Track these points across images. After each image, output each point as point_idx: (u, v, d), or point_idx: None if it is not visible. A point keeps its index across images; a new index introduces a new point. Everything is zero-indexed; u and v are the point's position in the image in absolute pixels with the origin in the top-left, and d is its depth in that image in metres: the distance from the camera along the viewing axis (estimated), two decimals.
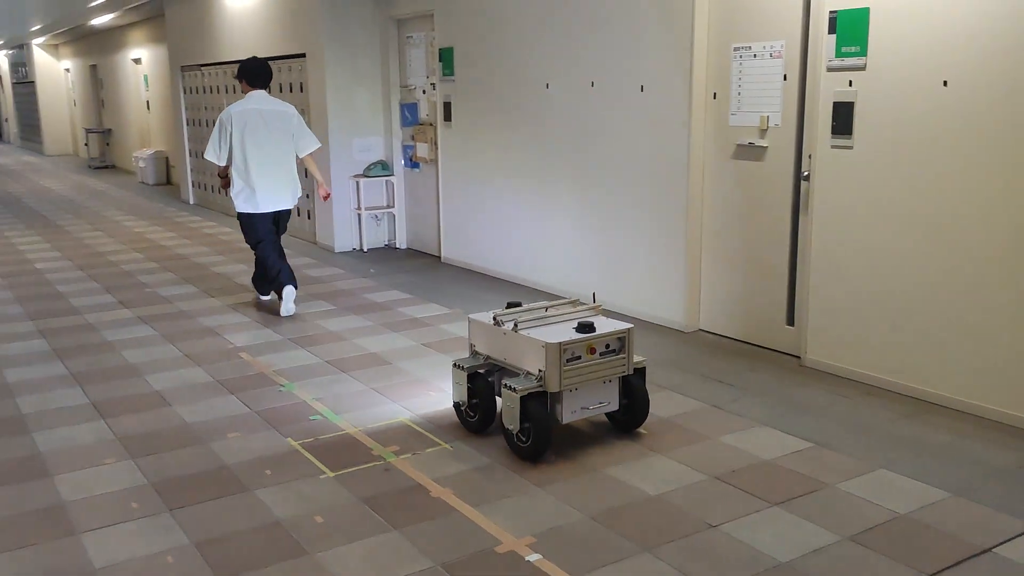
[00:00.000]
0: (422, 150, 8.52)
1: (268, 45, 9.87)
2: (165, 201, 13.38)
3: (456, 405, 4.31)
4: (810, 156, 4.97)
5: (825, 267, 4.93)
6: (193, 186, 13.06)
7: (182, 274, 7.93)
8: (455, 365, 4.25)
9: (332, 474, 3.79)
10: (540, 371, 3.83)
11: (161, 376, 5.10)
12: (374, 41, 8.80)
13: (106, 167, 19.30)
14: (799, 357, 5.19)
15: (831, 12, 4.70)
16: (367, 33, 8.75)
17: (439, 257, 8.43)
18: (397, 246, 9.13)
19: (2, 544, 3.25)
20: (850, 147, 4.72)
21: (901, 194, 4.52)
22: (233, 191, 6.40)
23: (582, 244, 6.60)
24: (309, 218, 9.54)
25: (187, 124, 12.94)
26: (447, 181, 8.10)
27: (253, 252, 6.66)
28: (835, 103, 4.74)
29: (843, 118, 4.71)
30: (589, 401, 4.00)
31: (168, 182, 15.74)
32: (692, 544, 3.19)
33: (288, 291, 6.40)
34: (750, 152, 5.39)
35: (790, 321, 5.32)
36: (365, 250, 8.98)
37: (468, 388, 4.17)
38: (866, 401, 4.56)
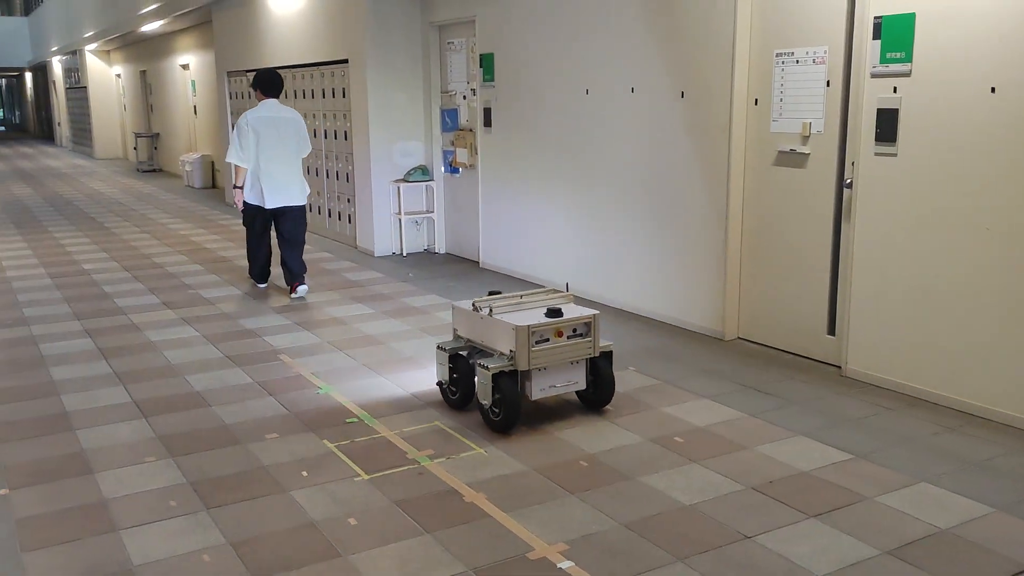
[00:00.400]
0: (462, 155, 8.56)
1: (312, 51, 9.99)
2: (210, 204, 13.59)
3: (440, 383, 4.67)
4: (853, 163, 4.91)
5: (867, 276, 4.86)
6: None
7: (225, 276, 8.05)
8: (439, 347, 4.60)
9: (366, 476, 3.81)
10: (511, 351, 4.21)
11: (202, 377, 5.18)
12: (415, 47, 8.86)
13: (154, 171, 19.65)
14: (840, 367, 5.12)
15: (876, 17, 4.63)
16: (408, 39, 8.81)
17: (478, 262, 8.45)
18: (436, 251, 9.17)
19: (45, 539, 3.32)
20: (894, 154, 4.64)
21: (947, 202, 4.44)
22: (245, 187, 7.14)
23: (621, 251, 6.57)
24: (350, 222, 9.62)
25: (232, 129, 13.11)
26: (487, 186, 8.13)
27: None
28: (879, 110, 4.67)
29: (887, 125, 4.64)
30: (557, 380, 4.36)
31: (214, 186, 15.99)
32: (726, 555, 3.15)
33: (301, 289, 7.17)
34: (792, 159, 5.33)
35: (831, 330, 5.24)
36: (404, 254, 9.04)
37: (450, 368, 4.55)
38: (908, 413, 4.48)
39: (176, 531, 3.36)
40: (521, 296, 4.58)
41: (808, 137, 5.20)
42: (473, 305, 4.47)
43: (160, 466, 3.95)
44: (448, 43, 8.67)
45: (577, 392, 4.55)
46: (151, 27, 16.35)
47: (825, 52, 5.05)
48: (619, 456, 4.00)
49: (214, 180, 16.01)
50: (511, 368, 4.21)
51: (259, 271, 7.52)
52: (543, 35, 7.11)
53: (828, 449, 4.05)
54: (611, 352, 4.53)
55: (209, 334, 6.10)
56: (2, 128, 48.90)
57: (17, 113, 48.43)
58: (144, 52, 20.29)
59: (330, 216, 10.15)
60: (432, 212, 9.10)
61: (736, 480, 3.74)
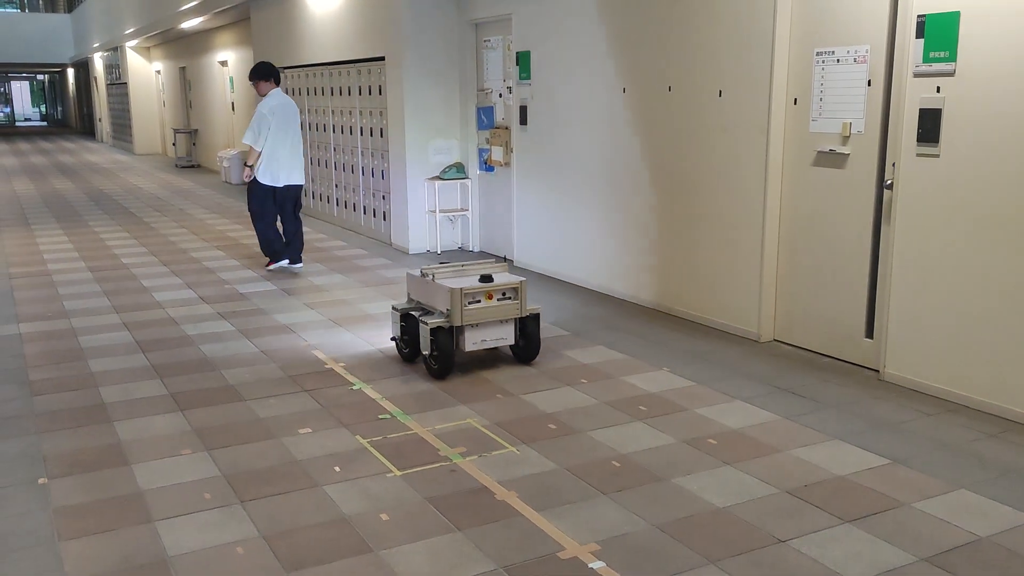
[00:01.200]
0: (497, 153, 8.55)
1: (349, 48, 10.04)
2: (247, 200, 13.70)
3: (393, 339, 5.46)
4: (894, 164, 4.83)
5: (907, 279, 4.78)
6: None
7: (260, 272, 8.11)
8: (393, 308, 5.37)
9: (399, 473, 3.83)
10: (447, 310, 4.97)
11: (237, 371, 5.22)
12: (452, 44, 8.87)
13: (192, 166, 19.89)
14: (878, 371, 5.05)
15: (919, 16, 4.56)
16: (445, 36, 8.83)
17: (512, 260, 8.45)
18: (470, 249, 9.18)
19: (82, 528, 3.36)
20: (936, 155, 4.57)
21: (990, 205, 4.36)
22: (259, 167, 7.92)
23: (655, 251, 6.53)
24: (384, 219, 9.66)
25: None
26: (521, 185, 8.12)
27: (252, 219, 8.21)
28: (921, 110, 4.59)
29: (930, 125, 4.56)
30: (488, 335, 5.13)
31: None
32: (759, 559, 3.12)
33: (296, 266, 8.10)
34: (831, 159, 5.26)
35: (869, 333, 5.17)
36: (439, 252, 9.06)
37: (402, 326, 5.27)
38: (948, 418, 4.41)
39: (210, 523, 3.40)
40: (463, 265, 5.33)
41: (848, 137, 5.14)
42: (421, 272, 5.26)
43: (195, 459, 3.99)
44: (484, 41, 8.67)
45: (510, 347, 5.33)
46: (191, 24, 16.55)
47: (867, 51, 4.98)
48: (652, 457, 3.98)
49: None
50: (447, 324, 4.96)
51: (282, 247, 8.14)
52: (580, 33, 7.08)
53: (865, 454, 3.99)
54: (538, 314, 5.27)
55: (244, 328, 6.15)
56: (44, 123, 49.76)
57: (59, 109, 49.25)
58: (184, 49, 20.54)
59: (364, 213, 10.20)
60: (467, 210, 9.11)
61: (770, 483, 3.70)
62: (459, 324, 4.96)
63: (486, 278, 5.05)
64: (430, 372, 5.05)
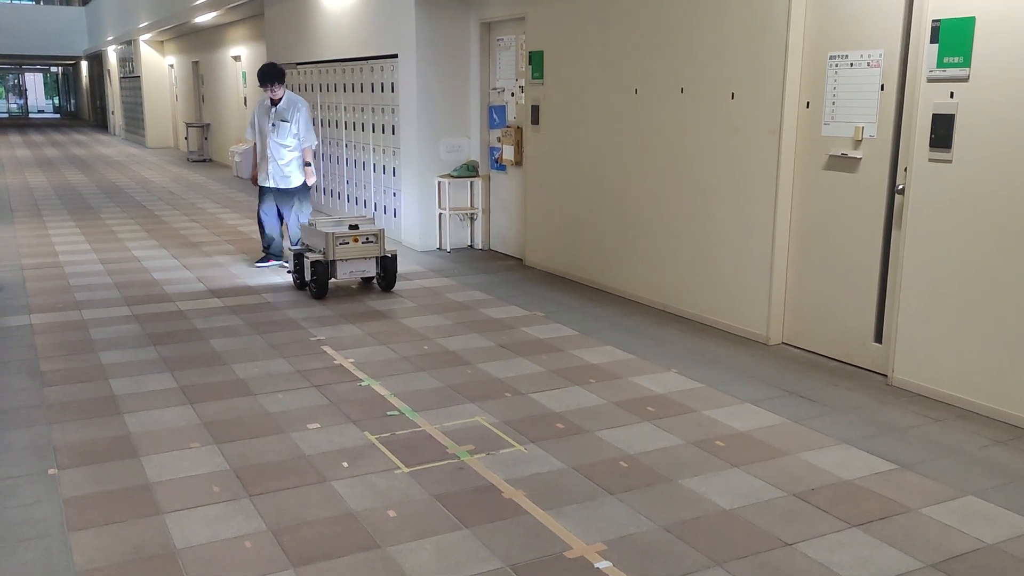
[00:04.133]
0: (508, 152, 8.56)
1: (361, 45, 10.06)
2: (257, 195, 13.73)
3: (289, 271, 7.60)
4: (906, 169, 4.82)
5: (917, 284, 4.77)
6: None
7: (271, 265, 8.13)
8: (290, 248, 7.75)
9: (407, 470, 3.84)
10: (323, 249, 6.81)
11: (246, 365, 5.24)
12: (464, 43, 8.88)
13: (204, 161, 19.95)
14: (886, 376, 5.04)
15: (934, 21, 4.55)
16: (458, 35, 8.84)
17: (522, 260, 8.45)
18: (481, 247, 9.19)
19: (91, 519, 3.39)
20: (949, 161, 4.56)
21: (1002, 211, 4.34)
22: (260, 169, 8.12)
23: (666, 252, 6.53)
24: (395, 216, 9.68)
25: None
26: (532, 184, 8.12)
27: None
28: (934, 115, 4.58)
29: (942, 131, 4.55)
30: (355, 268, 6.97)
31: None
32: (765, 561, 3.12)
33: (272, 263, 8.18)
34: (843, 163, 5.25)
35: (878, 338, 5.16)
36: (448, 250, 9.07)
37: (296, 263, 7.16)
38: (956, 424, 4.40)
39: (218, 516, 3.41)
40: (340, 218, 7.35)
41: (860, 141, 5.13)
42: (309, 223, 7.29)
43: (204, 452, 4.01)
44: (497, 40, 8.67)
45: (373, 279, 7.23)
46: (204, 18, 16.59)
47: (880, 55, 4.97)
48: (659, 458, 3.98)
49: None
50: (324, 259, 6.79)
51: (277, 247, 8.28)
52: (593, 34, 7.08)
53: (872, 458, 3.99)
54: (396, 255, 7.15)
55: (254, 323, 6.17)
56: (58, 116, 49.97)
57: (72, 101, 49.44)
58: (197, 43, 20.59)
59: (375, 210, 10.21)
60: (477, 208, 9.12)
61: (777, 486, 3.70)
62: (332, 259, 6.80)
63: (353, 226, 6.93)
64: (312, 294, 6.85)
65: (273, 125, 7.84)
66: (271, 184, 7.95)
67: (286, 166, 7.90)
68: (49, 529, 3.31)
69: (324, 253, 6.75)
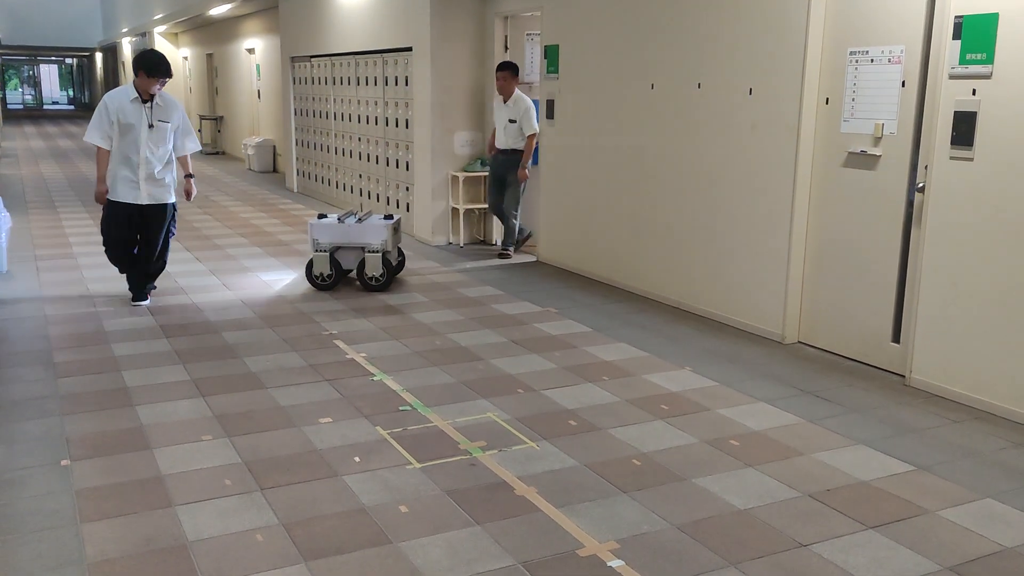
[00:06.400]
0: None
1: (376, 38, 10.03)
2: (270, 188, 13.76)
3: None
4: (926, 167, 4.77)
5: (937, 283, 4.72)
6: (298, 174, 13.40)
7: (283, 260, 8.14)
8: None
9: (418, 465, 3.82)
10: (385, 240, 7.00)
11: (259, 359, 5.23)
12: (480, 37, 8.84)
13: (217, 153, 19.97)
14: (903, 376, 4.99)
15: (956, 17, 4.49)
16: (473, 29, 8.80)
17: (536, 256, 8.42)
18: (494, 242, 9.16)
19: (103, 510, 3.38)
20: (970, 159, 4.50)
21: (1023, 210, 4.29)
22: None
23: (681, 248, 6.49)
24: (408, 210, 9.66)
25: (295, 114, 13.27)
26: (547, 179, 8.08)
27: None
28: (956, 112, 4.53)
29: (964, 128, 4.50)
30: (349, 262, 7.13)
31: (274, 170, 16.18)
32: (780, 562, 3.09)
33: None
34: (862, 160, 5.20)
35: (895, 338, 5.11)
36: (462, 245, 9.04)
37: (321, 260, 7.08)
38: (975, 426, 4.35)
39: (230, 509, 3.40)
40: (342, 216, 7.33)
41: (880, 139, 5.07)
42: (319, 215, 7.27)
43: (216, 445, 4.00)
44: (528, 35, 8.69)
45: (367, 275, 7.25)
46: (218, 11, 16.60)
47: (901, 51, 4.91)
48: (673, 456, 3.95)
49: (275, 164, 16.21)
50: (381, 252, 7.03)
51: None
52: (609, 28, 7.04)
53: (889, 459, 3.94)
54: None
55: (266, 316, 6.17)
56: (72, 107, 50.16)
57: (87, 92, 49.61)
58: (211, 35, 20.61)
59: (388, 204, 10.20)
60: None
61: (792, 486, 3.66)
62: (387, 250, 7.08)
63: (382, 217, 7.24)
64: (373, 287, 6.96)
65: (151, 126, 6.35)
66: (144, 201, 6.39)
67: (163, 176, 6.50)
68: (61, 520, 3.31)
69: (384, 244, 6.92)
